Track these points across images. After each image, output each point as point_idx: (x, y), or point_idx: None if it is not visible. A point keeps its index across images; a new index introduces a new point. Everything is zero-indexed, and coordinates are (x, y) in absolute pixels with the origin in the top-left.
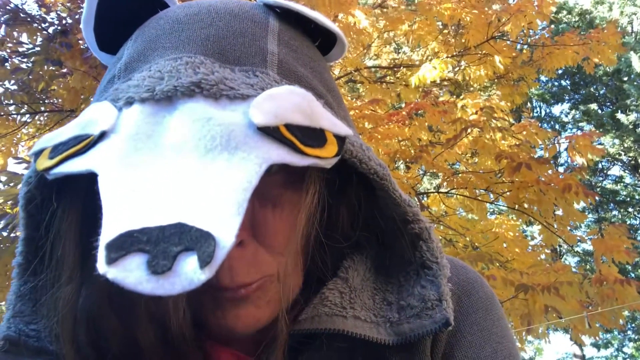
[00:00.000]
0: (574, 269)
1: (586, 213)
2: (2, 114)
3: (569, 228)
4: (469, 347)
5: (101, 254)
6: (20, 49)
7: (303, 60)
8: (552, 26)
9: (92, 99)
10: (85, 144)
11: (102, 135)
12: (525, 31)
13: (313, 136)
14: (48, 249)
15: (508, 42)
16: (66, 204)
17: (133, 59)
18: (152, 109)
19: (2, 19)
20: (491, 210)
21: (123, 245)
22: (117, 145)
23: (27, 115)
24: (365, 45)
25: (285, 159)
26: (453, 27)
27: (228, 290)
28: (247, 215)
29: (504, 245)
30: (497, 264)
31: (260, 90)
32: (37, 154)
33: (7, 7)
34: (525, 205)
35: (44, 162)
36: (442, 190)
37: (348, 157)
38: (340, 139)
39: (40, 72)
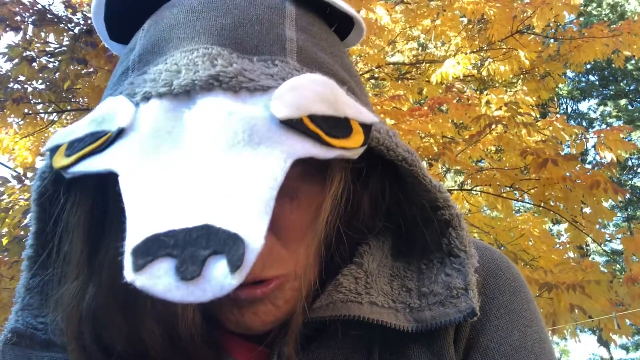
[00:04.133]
0: (602, 268)
1: (615, 211)
2: (30, 112)
3: (597, 226)
4: (495, 331)
5: (127, 261)
6: (47, 49)
7: (322, 45)
8: (581, 19)
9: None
10: (102, 141)
11: (121, 133)
12: (552, 24)
13: (338, 126)
14: (56, 243)
15: (534, 36)
16: (76, 198)
17: (147, 51)
18: (170, 104)
19: (30, 19)
20: (517, 208)
21: (150, 251)
22: (137, 143)
23: (54, 114)
24: (388, 42)
25: (311, 152)
26: (477, 22)
27: (243, 288)
28: None
29: (530, 242)
30: (522, 263)
31: (281, 80)
32: (53, 151)
33: (35, 8)
34: (552, 203)
35: (60, 160)
36: (466, 187)
37: (375, 145)
38: (366, 127)
39: (67, 71)
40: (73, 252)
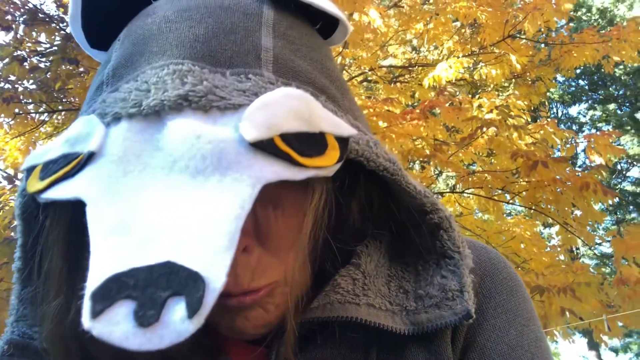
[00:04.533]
0: (592, 270)
1: (605, 213)
2: (21, 112)
3: (588, 229)
4: (492, 330)
5: (86, 306)
6: (39, 49)
7: (302, 51)
8: (571, 24)
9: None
10: (73, 165)
11: (91, 157)
12: (542, 29)
13: (312, 143)
14: (37, 260)
15: (525, 41)
16: (55, 215)
17: (120, 64)
18: (140, 125)
19: (21, 19)
20: (508, 210)
21: (109, 294)
22: (106, 169)
23: (45, 114)
24: (380, 45)
25: (282, 175)
26: (469, 26)
27: (232, 297)
28: (249, 220)
29: (522, 245)
30: (514, 266)
31: (254, 96)
32: (29, 171)
33: (26, 7)
34: (543, 206)
35: (34, 184)
36: (457, 190)
37: (354, 157)
38: (343, 141)
39: (58, 72)
40: (53, 269)
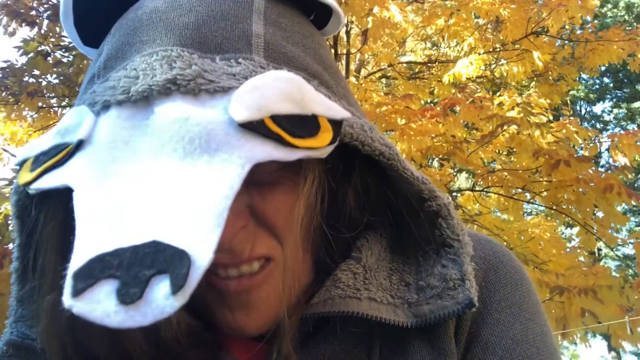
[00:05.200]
0: (614, 273)
1: (628, 216)
2: (44, 106)
3: (609, 230)
4: (496, 324)
5: (67, 285)
6: (62, 43)
7: (294, 38)
8: (596, 21)
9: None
10: (64, 154)
11: (80, 145)
12: (567, 26)
13: (304, 125)
14: (31, 255)
15: (548, 38)
16: (48, 210)
17: (111, 56)
18: (129, 111)
19: (45, 14)
20: (528, 210)
21: (92, 273)
22: (94, 155)
23: (67, 108)
24: (400, 41)
25: (272, 155)
26: (491, 23)
27: (232, 279)
28: (245, 201)
29: (540, 246)
30: (532, 266)
31: (244, 79)
32: (21, 165)
33: (50, 3)
34: (564, 206)
35: (25, 176)
36: (477, 188)
37: (349, 141)
38: (337, 124)
39: (80, 66)
40: (47, 264)
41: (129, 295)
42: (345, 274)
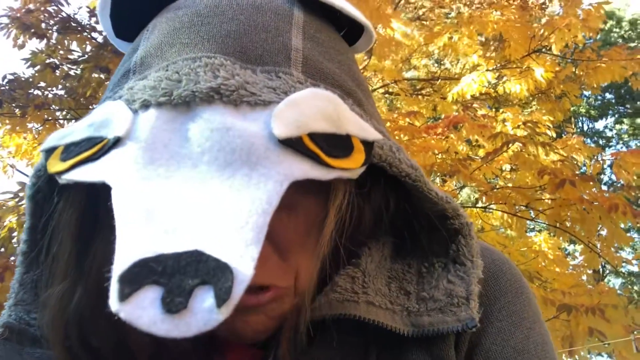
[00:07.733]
0: (618, 292)
1: (632, 234)
2: (50, 119)
3: (613, 249)
4: (497, 333)
5: (114, 289)
6: (71, 57)
7: (330, 54)
8: (599, 38)
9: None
10: (98, 148)
11: (117, 142)
12: (569, 45)
13: (339, 144)
14: (46, 242)
15: (551, 57)
16: (68, 198)
17: (149, 54)
18: (169, 114)
19: (55, 27)
20: (531, 227)
21: (137, 278)
22: (133, 154)
23: (73, 121)
24: (404, 58)
25: (309, 174)
26: (494, 40)
27: None
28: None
29: (543, 264)
30: (537, 283)
31: (283, 94)
32: (49, 152)
33: (59, 16)
34: (567, 224)
35: (55, 165)
36: (480, 205)
37: (377, 162)
38: (368, 145)
39: (89, 80)
40: (62, 252)
41: (174, 304)
42: (342, 278)
